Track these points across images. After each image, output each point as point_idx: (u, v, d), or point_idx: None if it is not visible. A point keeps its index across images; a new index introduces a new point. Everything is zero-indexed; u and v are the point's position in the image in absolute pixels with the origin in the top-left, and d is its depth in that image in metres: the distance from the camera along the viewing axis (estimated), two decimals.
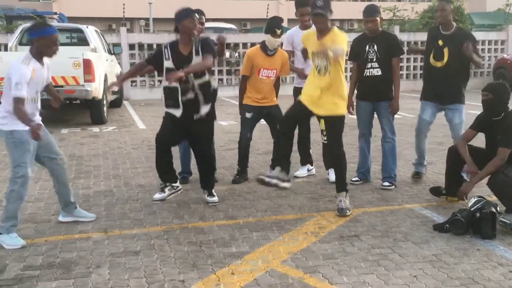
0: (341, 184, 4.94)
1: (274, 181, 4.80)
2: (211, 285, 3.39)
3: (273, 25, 5.60)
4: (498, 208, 4.33)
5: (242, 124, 5.95)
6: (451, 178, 5.08)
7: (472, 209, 4.31)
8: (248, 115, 5.81)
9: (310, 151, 6.29)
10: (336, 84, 4.75)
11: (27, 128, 3.98)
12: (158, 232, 4.35)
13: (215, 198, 5.11)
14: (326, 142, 5.83)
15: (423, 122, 5.76)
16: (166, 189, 5.16)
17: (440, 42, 5.52)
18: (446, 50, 5.50)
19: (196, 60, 4.78)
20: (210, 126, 5.13)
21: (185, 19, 4.72)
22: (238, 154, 5.98)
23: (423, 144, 5.84)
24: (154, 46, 15.24)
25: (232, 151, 7.46)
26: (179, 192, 5.21)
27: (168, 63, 4.79)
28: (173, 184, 5.17)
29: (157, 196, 5.16)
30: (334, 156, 5.05)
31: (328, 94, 4.75)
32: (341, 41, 4.66)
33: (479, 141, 5.03)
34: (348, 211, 4.75)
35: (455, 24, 5.61)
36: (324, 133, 5.83)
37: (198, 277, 3.51)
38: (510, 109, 4.73)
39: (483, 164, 4.69)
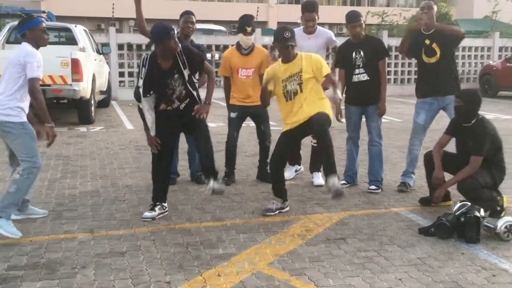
0: (331, 166, 4.63)
1: (277, 212, 4.87)
2: (197, 287, 3.39)
3: (243, 24, 5.63)
4: (482, 213, 4.37)
5: (228, 124, 5.99)
6: (431, 186, 5.13)
7: (457, 214, 4.35)
8: (233, 114, 5.84)
9: (301, 151, 6.31)
10: (311, 93, 4.73)
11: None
12: (145, 233, 4.33)
13: (222, 186, 4.75)
14: (316, 145, 5.89)
15: (417, 126, 5.76)
16: (157, 208, 4.73)
17: (427, 41, 5.55)
18: (435, 46, 5.52)
19: (185, 73, 4.55)
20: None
21: (165, 41, 4.35)
22: (225, 155, 5.98)
23: (416, 150, 5.74)
24: (143, 47, 15.19)
25: (221, 153, 7.43)
26: (166, 213, 4.80)
27: (140, 82, 4.52)
28: (163, 204, 4.80)
29: (148, 214, 4.67)
30: (322, 145, 4.76)
31: (307, 105, 4.72)
32: (321, 61, 4.77)
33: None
34: (343, 189, 4.63)
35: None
36: (315, 136, 5.86)
37: (184, 278, 3.50)
38: (480, 116, 4.85)
39: (457, 168, 4.82)
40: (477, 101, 4.84)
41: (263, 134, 5.95)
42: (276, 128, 5.76)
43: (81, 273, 3.55)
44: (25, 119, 4.27)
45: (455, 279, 3.55)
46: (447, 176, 5.01)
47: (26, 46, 4.28)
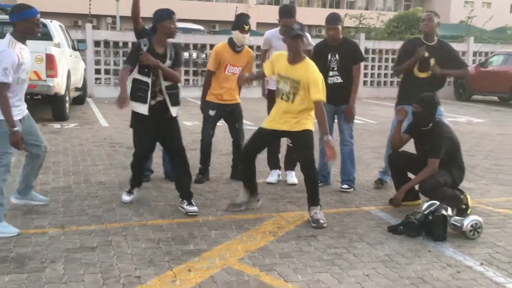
0: (316, 198, 4.73)
1: (243, 207, 4.92)
2: (167, 281, 3.41)
3: (242, 21, 5.65)
4: (450, 212, 4.48)
5: (204, 121, 5.96)
6: (398, 183, 5.24)
7: (425, 212, 4.45)
8: (211, 112, 5.84)
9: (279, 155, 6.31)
10: (302, 110, 4.68)
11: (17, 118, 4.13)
12: (116, 229, 4.33)
13: (195, 208, 4.81)
14: (291, 145, 5.95)
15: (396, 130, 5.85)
16: (134, 191, 5.09)
17: (426, 53, 5.62)
18: (432, 61, 5.60)
19: (168, 63, 4.76)
20: (177, 121, 5.11)
21: (166, 20, 4.68)
22: (200, 152, 6.00)
23: None
24: (120, 44, 15.11)
25: (196, 151, 7.43)
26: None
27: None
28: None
29: (127, 198, 5.01)
30: (307, 170, 4.73)
31: (293, 117, 4.72)
32: (319, 78, 4.61)
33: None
34: (324, 222, 4.55)
35: (436, 37, 5.75)
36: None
37: (155, 273, 3.52)
38: (437, 120, 5.01)
39: (417, 168, 4.99)
40: (434, 106, 5.05)
41: (237, 132, 5.98)
42: (251, 128, 5.80)
43: (50, 267, 3.54)
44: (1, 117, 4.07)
45: (421, 275, 3.63)
46: (411, 176, 5.16)
47: (5, 43, 4.06)
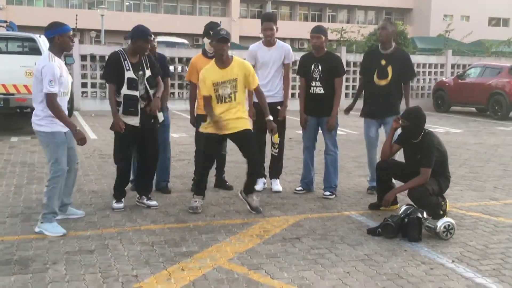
0: (252, 188, 5.46)
1: (200, 210, 5.33)
2: (163, 280, 3.67)
3: (208, 28, 5.88)
4: (425, 215, 4.79)
5: (197, 133, 6.01)
6: (382, 190, 5.51)
7: (402, 216, 4.76)
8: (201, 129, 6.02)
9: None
10: (240, 105, 5.27)
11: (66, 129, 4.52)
12: (112, 234, 4.58)
13: (155, 202, 5.45)
14: (276, 154, 6.27)
15: (370, 140, 6.18)
16: (123, 199, 5.40)
17: (383, 62, 5.94)
18: (390, 69, 5.92)
19: (148, 73, 5.16)
20: (158, 131, 5.47)
21: (141, 39, 5.10)
22: (195, 164, 6.20)
23: (375, 159, 6.13)
24: (106, 58, 15.31)
25: (183, 161, 7.76)
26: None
27: (129, 74, 5.07)
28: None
29: (117, 205, 5.31)
30: (255, 165, 5.34)
31: (235, 115, 5.23)
32: (250, 67, 5.32)
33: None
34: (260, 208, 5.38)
35: (394, 44, 6.09)
36: (276, 146, 6.23)
37: (150, 272, 3.78)
38: (427, 131, 5.23)
39: (405, 176, 5.22)
40: (422, 119, 5.20)
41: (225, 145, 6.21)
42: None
43: (52, 268, 3.78)
44: (56, 128, 4.53)
45: (397, 272, 3.93)
46: (397, 183, 5.45)
47: (45, 58, 4.51)
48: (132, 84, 5.07)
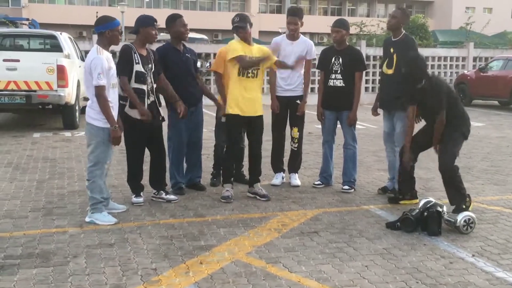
0: (258, 174, 5.74)
1: (232, 200, 5.49)
2: (181, 273, 3.70)
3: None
4: (444, 208, 4.75)
5: (217, 127, 6.17)
6: (404, 178, 5.45)
7: (421, 210, 4.72)
8: (223, 119, 6.06)
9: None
10: (259, 84, 5.64)
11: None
12: (131, 227, 4.63)
13: (174, 196, 5.53)
14: (295, 149, 6.27)
15: (383, 135, 6.08)
16: (141, 193, 5.44)
17: (392, 50, 5.80)
18: (395, 57, 5.71)
19: (153, 67, 5.26)
20: (162, 127, 5.51)
21: (149, 26, 5.17)
22: (214, 157, 6.26)
23: (390, 156, 5.94)
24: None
25: (202, 156, 7.77)
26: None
27: (138, 67, 5.10)
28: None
29: (137, 200, 5.37)
30: (257, 148, 5.68)
31: (259, 95, 5.61)
32: (268, 49, 5.63)
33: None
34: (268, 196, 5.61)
35: (404, 31, 5.84)
36: (296, 140, 6.23)
37: (169, 266, 3.81)
38: (430, 75, 5.20)
39: (429, 141, 5.22)
40: (419, 63, 5.12)
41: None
42: None
43: (73, 262, 3.84)
44: (107, 125, 4.66)
45: (416, 266, 3.91)
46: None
47: (94, 51, 4.65)
48: (141, 78, 5.10)
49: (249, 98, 5.47)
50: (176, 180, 5.81)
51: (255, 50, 5.53)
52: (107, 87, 4.63)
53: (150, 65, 5.21)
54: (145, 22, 5.19)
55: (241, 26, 5.46)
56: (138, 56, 5.12)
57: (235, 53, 5.38)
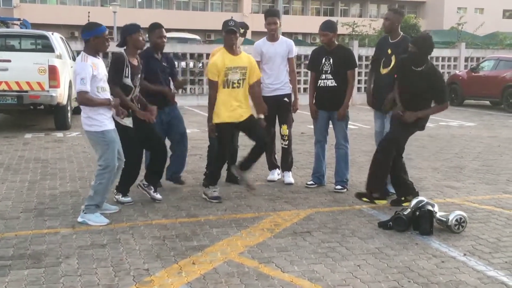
0: (249, 165, 5.64)
1: (221, 200, 5.52)
2: (174, 273, 3.69)
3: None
4: (436, 208, 4.77)
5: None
6: (395, 185, 5.50)
7: (413, 209, 4.74)
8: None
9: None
10: (246, 94, 5.52)
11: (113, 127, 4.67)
12: (124, 228, 4.62)
13: (160, 196, 5.49)
14: (286, 147, 6.31)
15: (375, 134, 6.11)
16: (128, 194, 5.44)
17: (389, 51, 5.81)
18: (393, 58, 5.73)
19: (141, 75, 5.29)
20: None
21: (136, 33, 5.15)
22: (207, 158, 6.25)
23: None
24: None
25: (194, 157, 7.78)
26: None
27: (127, 81, 5.07)
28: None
29: (125, 199, 5.37)
30: (263, 145, 5.59)
31: (244, 103, 5.48)
32: (254, 60, 5.61)
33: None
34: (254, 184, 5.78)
35: (401, 33, 5.92)
36: (285, 137, 6.28)
37: (162, 266, 3.81)
38: (431, 63, 5.23)
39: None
40: (429, 46, 5.17)
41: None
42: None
43: (65, 262, 3.83)
44: (106, 127, 4.65)
45: (408, 265, 3.92)
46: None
47: (79, 58, 4.63)
48: (127, 90, 5.10)
49: (236, 106, 5.43)
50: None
51: (244, 59, 5.47)
52: (93, 91, 4.59)
53: (139, 75, 5.23)
54: (130, 30, 5.18)
55: (235, 30, 5.33)
56: (129, 68, 5.07)
57: (210, 75, 5.37)
